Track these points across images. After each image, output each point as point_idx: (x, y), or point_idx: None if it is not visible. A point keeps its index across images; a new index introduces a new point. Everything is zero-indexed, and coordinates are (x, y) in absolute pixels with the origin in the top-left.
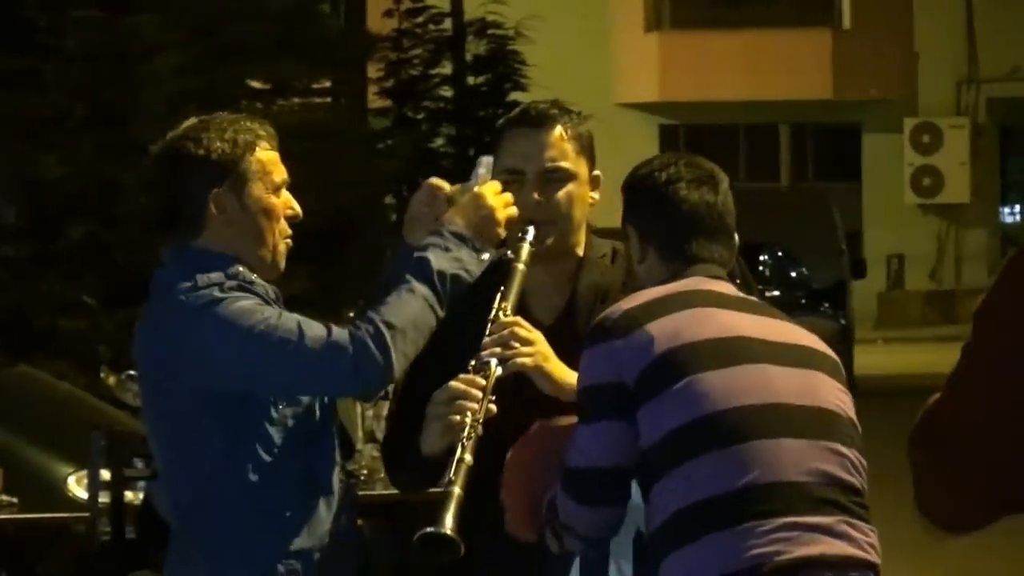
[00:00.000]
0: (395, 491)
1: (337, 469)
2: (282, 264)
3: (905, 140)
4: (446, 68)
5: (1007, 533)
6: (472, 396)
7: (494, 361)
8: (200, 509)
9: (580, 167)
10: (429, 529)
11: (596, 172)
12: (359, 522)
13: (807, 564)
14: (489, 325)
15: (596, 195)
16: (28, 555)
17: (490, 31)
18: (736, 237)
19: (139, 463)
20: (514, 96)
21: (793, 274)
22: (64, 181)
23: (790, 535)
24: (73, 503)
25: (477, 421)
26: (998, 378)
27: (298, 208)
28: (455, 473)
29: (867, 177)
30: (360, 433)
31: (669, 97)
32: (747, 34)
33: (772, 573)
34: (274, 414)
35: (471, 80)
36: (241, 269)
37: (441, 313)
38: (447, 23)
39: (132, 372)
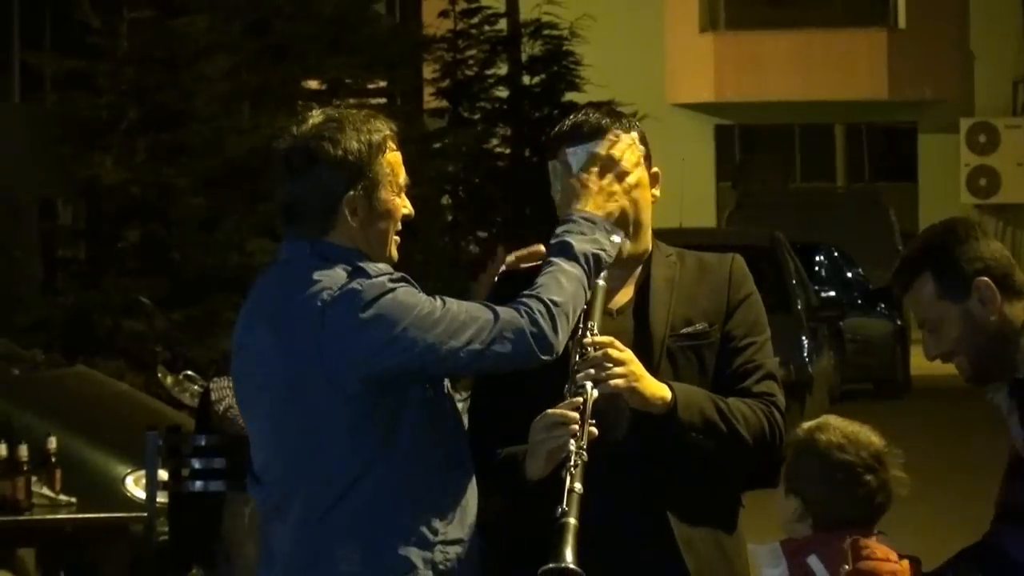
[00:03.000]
0: None
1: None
2: (396, 256)
3: (961, 140)
4: (501, 69)
5: None
6: (572, 420)
7: (589, 384)
8: (353, 498)
9: (639, 171)
10: (551, 565)
11: (655, 169)
12: None
13: None
14: (578, 347)
15: (657, 191)
16: (86, 554)
17: (545, 32)
18: None
19: (196, 463)
20: (569, 96)
21: (849, 275)
22: (120, 184)
23: None
24: (131, 503)
25: (582, 448)
26: None
27: (411, 208)
28: (568, 504)
29: (923, 178)
30: None
31: (724, 97)
32: (802, 34)
33: None
34: (425, 398)
35: (526, 80)
36: (380, 267)
37: (589, 293)
38: (502, 23)
39: (189, 372)
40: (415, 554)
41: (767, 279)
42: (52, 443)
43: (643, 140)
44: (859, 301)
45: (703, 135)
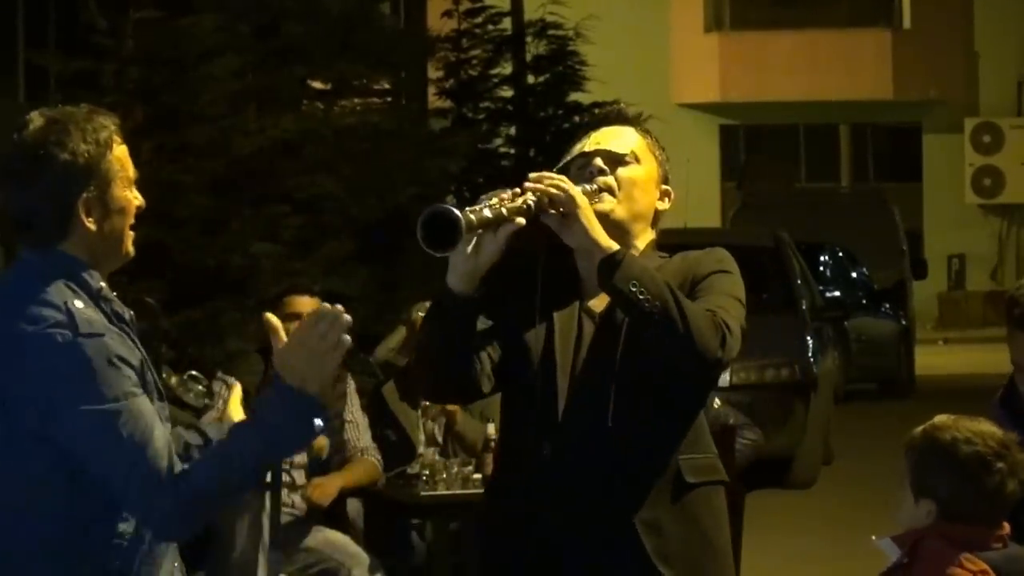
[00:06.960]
0: (454, 492)
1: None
2: (132, 251)
3: (966, 140)
4: (506, 68)
5: None
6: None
7: (532, 195)
8: (10, 559)
9: (648, 161)
10: (429, 209)
11: (667, 186)
12: (415, 521)
13: None
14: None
15: (664, 204)
16: None
17: (550, 32)
18: None
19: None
20: (574, 96)
21: (854, 274)
22: None
23: None
24: None
25: (506, 208)
26: None
27: (142, 200)
28: (491, 209)
29: (928, 177)
30: (421, 437)
31: (729, 97)
32: (807, 34)
33: None
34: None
35: (531, 80)
36: (103, 285)
37: (254, 478)
38: (506, 23)
39: (193, 372)
40: None
41: (771, 279)
42: None
43: (662, 150)
44: (863, 301)
45: (708, 135)
